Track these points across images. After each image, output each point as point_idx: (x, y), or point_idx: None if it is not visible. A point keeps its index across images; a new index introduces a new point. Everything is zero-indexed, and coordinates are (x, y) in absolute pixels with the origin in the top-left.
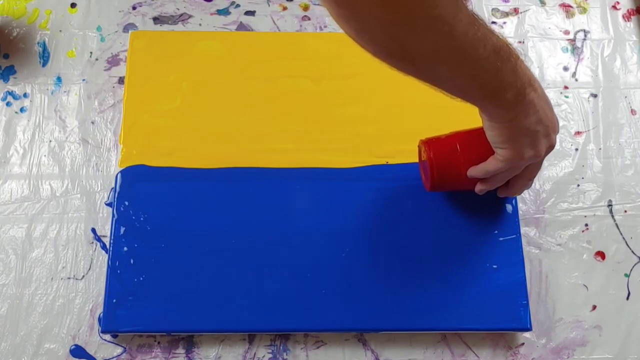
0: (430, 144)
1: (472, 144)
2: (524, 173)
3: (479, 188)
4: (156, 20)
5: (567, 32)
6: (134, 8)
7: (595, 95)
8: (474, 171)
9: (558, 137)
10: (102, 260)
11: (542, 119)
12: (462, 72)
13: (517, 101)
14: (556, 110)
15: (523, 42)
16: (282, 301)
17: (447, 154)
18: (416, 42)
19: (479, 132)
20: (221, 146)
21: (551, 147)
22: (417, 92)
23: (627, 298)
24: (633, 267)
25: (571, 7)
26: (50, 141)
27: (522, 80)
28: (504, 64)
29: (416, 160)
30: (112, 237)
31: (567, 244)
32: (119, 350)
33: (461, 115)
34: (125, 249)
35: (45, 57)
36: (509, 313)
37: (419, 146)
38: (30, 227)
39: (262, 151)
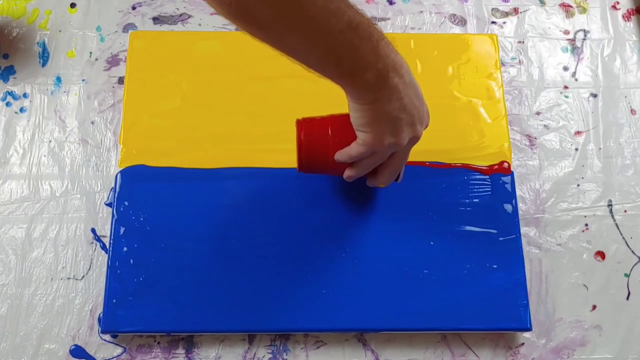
0: (303, 124)
1: (345, 128)
2: (389, 162)
3: (346, 174)
4: (156, 20)
5: (567, 32)
6: (133, 8)
7: (595, 95)
8: (339, 155)
9: (558, 137)
10: (102, 260)
11: (407, 107)
12: (313, 45)
13: (378, 84)
14: (556, 110)
15: (523, 42)
16: (282, 301)
17: (317, 136)
18: (259, 4)
19: None
20: (221, 146)
21: (415, 137)
22: None
23: (627, 298)
24: (633, 267)
25: (571, 7)
26: (50, 141)
27: (384, 63)
28: (363, 42)
29: (417, 160)
30: (112, 237)
31: (567, 244)
32: (119, 350)
33: (461, 115)
34: (125, 249)
35: (45, 57)
36: (509, 313)
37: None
38: (30, 228)
39: (262, 151)
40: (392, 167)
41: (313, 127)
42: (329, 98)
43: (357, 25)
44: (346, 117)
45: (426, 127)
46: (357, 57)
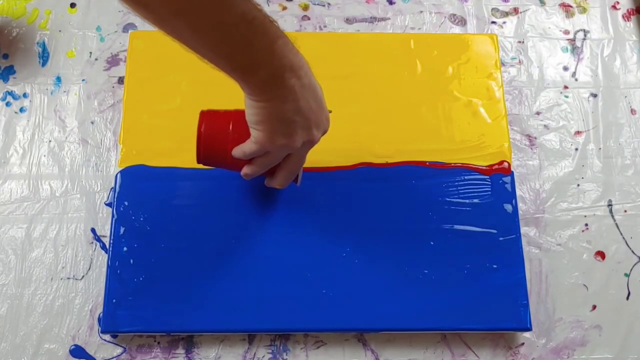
0: (205, 117)
1: (245, 124)
2: (284, 164)
3: (243, 172)
4: None
5: (567, 32)
6: None
7: (595, 95)
8: (234, 151)
9: (558, 137)
10: (101, 260)
11: (303, 110)
12: (203, 35)
13: (272, 83)
14: (556, 110)
15: (523, 42)
16: (282, 301)
17: (218, 130)
18: None
19: None
20: None
21: (310, 141)
22: (417, 92)
23: (627, 298)
24: (633, 267)
25: (571, 6)
26: (50, 141)
27: (281, 63)
28: (257, 38)
29: (417, 160)
30: (112, 237)
31: (567, 243)
32: (119, 350)
33: (461, 116)
34: (125, 249)
35: (44, 57)
36: (509, 313)
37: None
38: (30, 227)
39: None
40: (287, 169)
41: (215, 120)
42: (329, 98)
43: (251, 19)
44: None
45: (324, 133)
46: (250, 53)
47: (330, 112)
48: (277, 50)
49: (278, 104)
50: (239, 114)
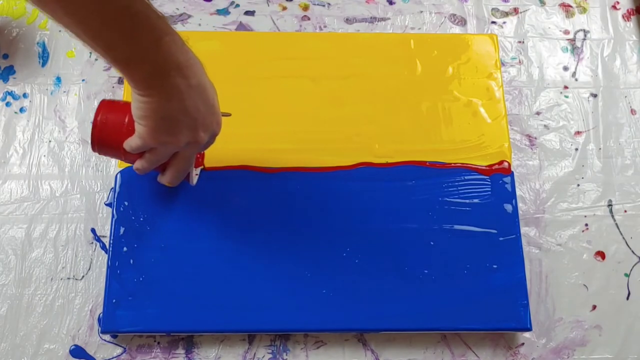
0: (103, 107)
1: None
2: (171, 162)
3: (135, 166)
4: None
5: (567, 32)
6: None
7: (595, 95)
8: (124, 144)
9: (558, 137)
10: (101, 260)
11: (189, 110)
12: (81, 23)
13: (156, 79)
14: (556, 110)
15: (523, 42)
16: (282, 301)
17: (114, 121)
18: None
19: None
20: (220, 146)
21: (196, 142)
22: (417, 92)
23: (627, 298)
24: (633, 267)
25: (571, 7)
26: (50, 141)
27: (167, 60)
28: (141, 33)
29: (417, 160)
30: (112, 237)
31: (567, 244)
32: (119, 350)
33: (461, 116)
34: (125, 249)
35: (44, 57)
36: (509, 313)
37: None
38: (29, 228)
39: (261, 151)
40: (174, 167)
41: (112, 111)
42: (329, 98)
43: (135, 13)
44: None
45: (213, 136)
46: (132, 47)
47: (229, 115)
48: (164, 47)
49: (162, 101)
50: None
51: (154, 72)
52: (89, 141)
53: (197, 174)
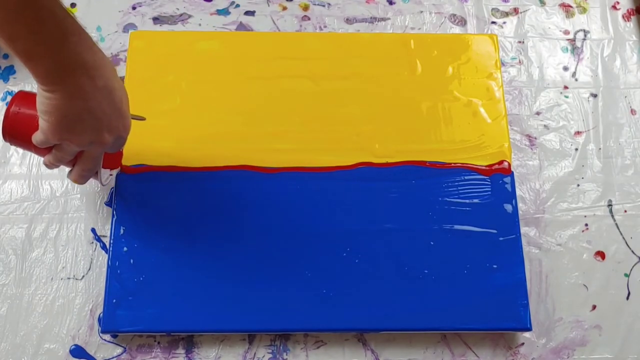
0: (17, 98)
1: None
2: (78, 160)
3: (43, 161)
4: (156, 20)
5: (567, 32)
6: (133, 8)
7: (595, 95)
8: (32, 137)
9: (558, 137)
10: (102, 260)
11: (93, 111)
12: None
13: (58, 77)
14: (556, 110)
15: (523, 42)
16: (282, 301)
17: (26, 113)
18: None
19: None
20: (221, 146)
21: (100, 143)
22: (417, 92)
23: (627, 298)
24: (633, 267)
25: (571, 7)
26: None
27: (71, 59)
28: (44, 29)
29: (417, 160)
30: (112, 237)
31: (567, 244)
32: (119, 350)
33: (461, 116)
34: (125, 249)
35: None
36: (509, 313)
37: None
38: (30, 227)
39: (261, 151)
40: (79, 166)
41: (26, 103)
42: (329, 98)
43: (39, 8)
44: None
45: (119, 138)
46: (33, 42)
47: (144, 119)
48: (70, 45)
49: (64, 98)
50: None
51: (57, 68)
52: None
53: (111, 174)
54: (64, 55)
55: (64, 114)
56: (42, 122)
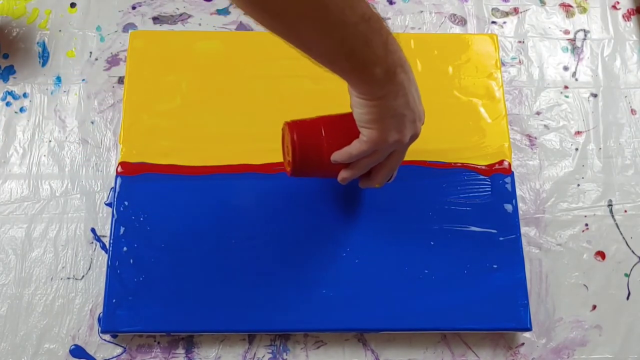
0: (294, 126)
1: (337, 128)
2: (386, 162)
3: (341, 176)
4: (156, 20)
5: (567, 32)
6: (133, 8)
7: (595, 95)
8: (337, 155)
9: (558, 137)
10: (102, 260)
11: (411, 104)
12: (326, 35)
13: (386, 79)
14: (556, 110)
15: (523, 41)
16: (282, 301)
17: (311, 137)
18: None
19: (345, 117)
20: (221, 146)
21: (415, 135)
22: None
23: (627, 298)
24: (633, 267)
25: (571, 6)
26: (50, 141)
27: (392, 58)
28: (375, 35)
29: (417, 160)
30: (112, 237)
31: (567, 243)
32: (119, 350)
33: (461, 115)
34: (125, 249)
35: (44, 57)
36: (509, 313)
37: (282, 129)
38: (30, 227)
39: (262, 151)
40: (389, 166)
41: (305, 129)
42: (329, 98)
43: (369, 17)
44: (336, 117)
45: (420, 127)
46: (368, 51)
47: None
48: (390, 46)
49: (390, 100)
50: (327, 120)
51: (385, 72)
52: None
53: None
54: (389, 58)
55: (392, 115)
56: (368, 132)
